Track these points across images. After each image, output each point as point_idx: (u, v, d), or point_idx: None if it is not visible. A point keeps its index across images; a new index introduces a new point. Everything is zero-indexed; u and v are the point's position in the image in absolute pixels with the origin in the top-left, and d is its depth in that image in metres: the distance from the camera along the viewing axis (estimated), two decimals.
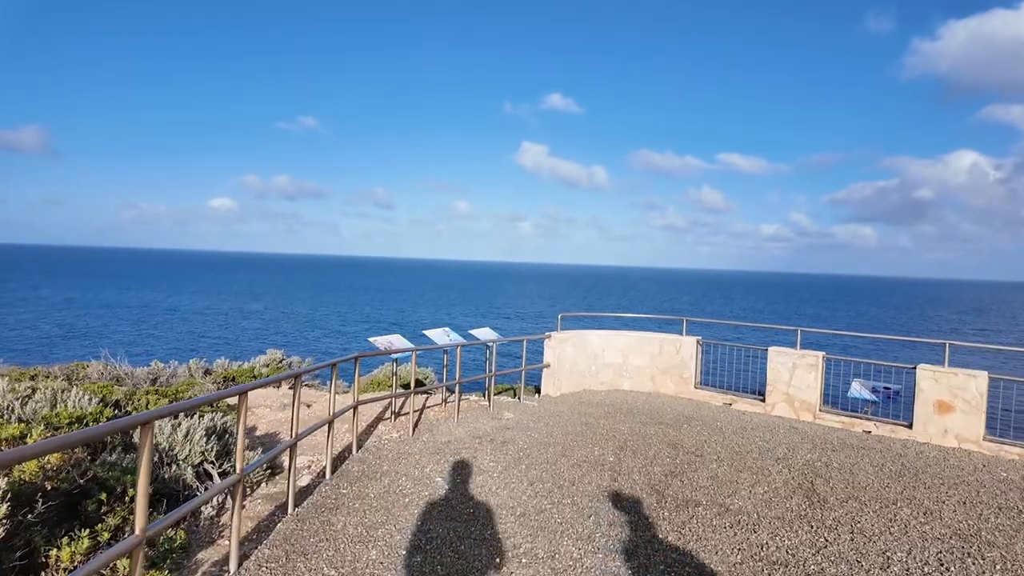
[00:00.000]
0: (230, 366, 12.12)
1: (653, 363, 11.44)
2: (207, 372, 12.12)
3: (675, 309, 76.93)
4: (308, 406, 9.37)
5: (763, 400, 10.20)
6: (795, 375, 9.86)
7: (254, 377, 11.15)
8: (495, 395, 10.75)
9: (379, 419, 8.50)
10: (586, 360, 11.47)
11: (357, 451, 6.66)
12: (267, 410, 9.34)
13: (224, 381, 10.70)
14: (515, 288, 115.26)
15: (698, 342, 11.14)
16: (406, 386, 12.56)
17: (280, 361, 11.89)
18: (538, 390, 11.48)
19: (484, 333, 10.12)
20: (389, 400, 9.04)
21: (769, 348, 10.15)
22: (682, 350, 11.22)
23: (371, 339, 8.01)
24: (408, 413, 8.71)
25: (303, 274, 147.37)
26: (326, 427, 5.84)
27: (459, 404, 9.05)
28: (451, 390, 10.40)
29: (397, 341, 8.23)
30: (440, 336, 9.18)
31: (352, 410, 6.53)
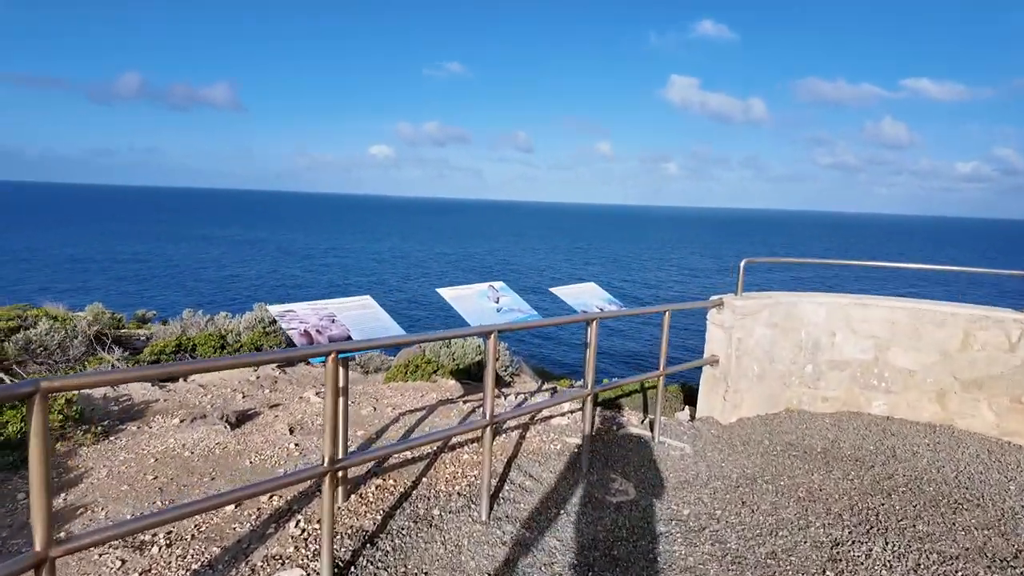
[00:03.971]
0: (222, 324, 8.26)
1: (947, 365, 5.43)
2: (209, 324, 8.39)
3: (965, 258, 54.74)
4: (231, 424, 4.94)
5: None
6: None
7: (223, 346, 7.12)
8: (599, 409, 5.59)
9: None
10: (794, 350, 5.77)
11: None
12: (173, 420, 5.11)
13: (176, 352, 6.78)
14: (656, 234, 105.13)
15: None
16: (464, 369, 7.80)
17: (272, 322, 7.77)
18: (691, 404, 6.10)
19: (581, 294, 4.89)
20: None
21: None
22: (1022, 343, 5.09)
23: (271, 307, 3.20)
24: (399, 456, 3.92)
25: (446, 216, 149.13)
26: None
27: (491, 464, 4.07)
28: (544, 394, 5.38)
29: (347, 314, 3.33)
30: (472, 303, 4.10)
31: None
